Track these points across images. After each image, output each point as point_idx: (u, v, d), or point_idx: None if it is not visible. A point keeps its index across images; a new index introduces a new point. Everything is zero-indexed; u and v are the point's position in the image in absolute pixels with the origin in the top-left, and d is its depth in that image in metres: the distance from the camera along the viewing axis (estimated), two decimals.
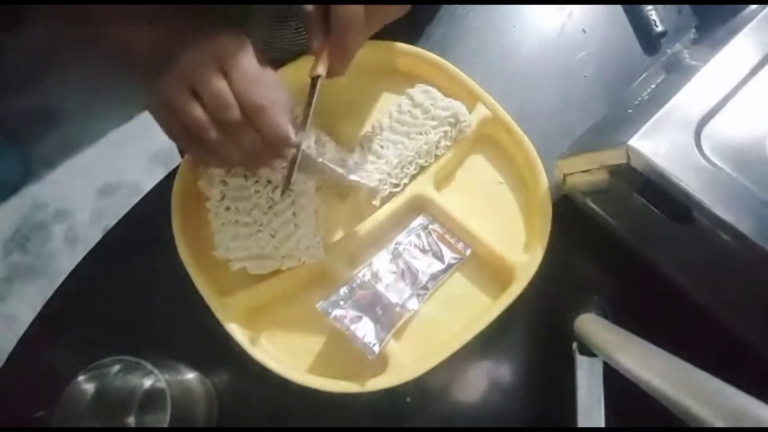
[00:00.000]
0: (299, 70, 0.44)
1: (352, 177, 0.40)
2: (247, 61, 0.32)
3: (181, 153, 0.51)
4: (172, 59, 0.33)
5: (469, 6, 0.53)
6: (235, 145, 0.34)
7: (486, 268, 0.44)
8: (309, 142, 0.39)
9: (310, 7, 0.35)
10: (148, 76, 0.34)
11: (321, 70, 0.36)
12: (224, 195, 0.40)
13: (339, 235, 0.43)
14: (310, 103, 0.36)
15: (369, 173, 0.42)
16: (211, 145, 0.33)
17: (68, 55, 1.33)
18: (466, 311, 0.42)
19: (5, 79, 1.35)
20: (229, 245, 0.39)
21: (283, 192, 0.37)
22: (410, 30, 0.50)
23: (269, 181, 0.40)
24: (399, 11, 0.38)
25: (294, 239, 0.39)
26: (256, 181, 0.40)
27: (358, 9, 0.34)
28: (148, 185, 0.46)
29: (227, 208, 0.40)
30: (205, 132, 0.32)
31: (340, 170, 0.39)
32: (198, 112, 0.32)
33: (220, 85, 0.31)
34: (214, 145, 0.33)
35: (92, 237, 1.23)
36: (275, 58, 0.44)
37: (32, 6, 1.28)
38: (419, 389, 0.40)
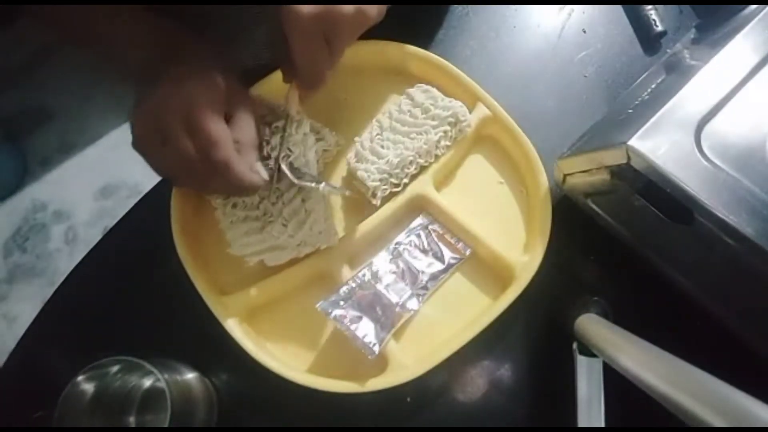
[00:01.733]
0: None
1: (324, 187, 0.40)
2: (209, 120, 0.32)
3: None
4: (150, 86, 0.33)
5: (469, 6, 0.53)
6: (208, 187, 0.35)
7: (486, 268, 0.44)
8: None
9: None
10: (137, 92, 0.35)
11: (293, 111, 0.38)
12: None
13: (339, 235, 0.43)
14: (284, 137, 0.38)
15: (369, 173, 0.42)
16: (187, 185, 0.36)
17: (67, 54, 1.33)
18: (466, 311, 0.42)
19: (3, 78, 1.35)
20: (243, 241, 0.39)
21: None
22: (410, 30, 0.50)
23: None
24: (360, 27, 0.37)
25: (307, 225, 0.39)
26: None
27: (317, 48, 0.35)
28: (148, 186, 0.46)
29: (234, 205, 0.40)
30: (176, 177, 0.35)
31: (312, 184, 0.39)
32: (169, 159, 0.33)
33: (183, 143, 0.32)
34: (189, 185, 0.36)
35: (92, 237, 1.23)
36: (265, 64, 0.45)
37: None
38: (419, 389, 0.40)
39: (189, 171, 0.33)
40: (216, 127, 0.33)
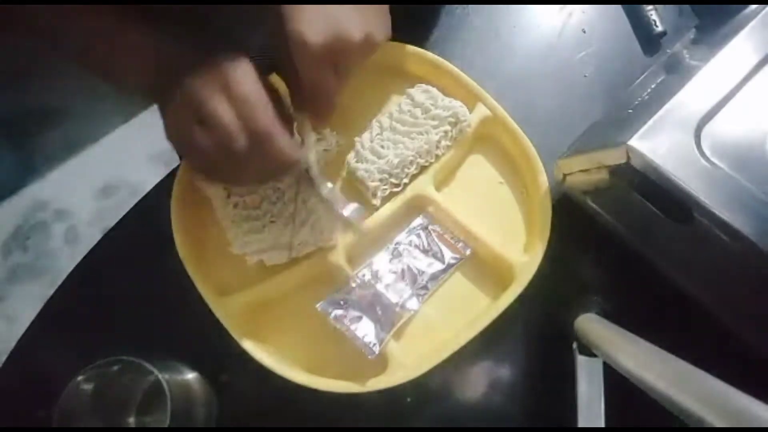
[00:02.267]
0: None
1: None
2: (249, 85, 0.32)
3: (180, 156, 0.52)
4: (175, 83, 0.32)
5: (469, 6, 0.53)
6: (245, 169, 0.34)
7: (486, 268, 0.44)
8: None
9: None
10: (153, 100, 0.34)
11: (311, 140, 0.38)
12: (229, 192, 0.40)
13: (339, 234, 0.43)
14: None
15: (370, 173, 0.42)
16: (224, 172, 0.34)
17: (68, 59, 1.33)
18: (466, 311, 0.42)
19: (5, 77, 1.35)
20: (245, 240, 0.39)
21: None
22: (410, 30, 0.50)
23: None
24: (368, 53, 0.37)
25: (308, 225, 0.39)
26: None
27: (328, 77, 0.34)
28: (148, 185, 0.46)
29: (235, 205, 0.40)
30: (216, 161, 0.33)
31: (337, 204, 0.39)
32: (207, 142, 0.32)
33: (227, 117, 0.31)
34: (226, 171, 0.34)
35: (92, 237, 1.22)
36: (272, 64, 0.45)
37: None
38: (419, 389, 0.40)
39: (227, 150, 0.32)
40: (256, 91, 0.32)
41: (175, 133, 0.33)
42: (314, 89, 0.35)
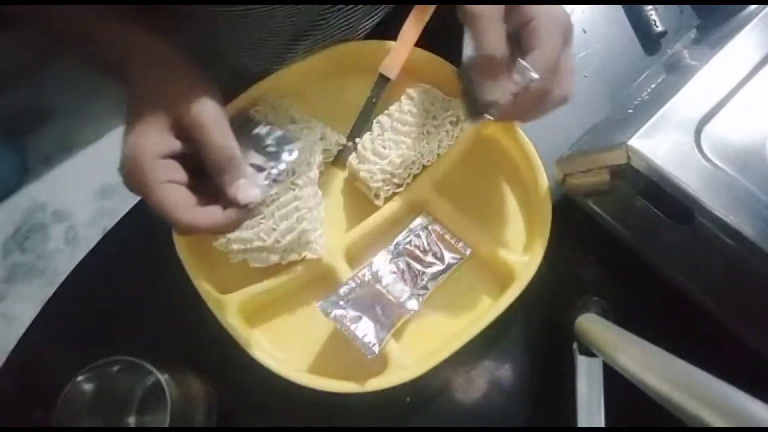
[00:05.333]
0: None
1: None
2: (153, 179, 0.30)
3: None
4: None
5: None
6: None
7: (486, 268, 0.44)
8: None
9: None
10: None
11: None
12: None
13: (339, 234, 0.43)
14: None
15: (372, 174, 0.42)
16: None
17: (66, 54, 1.33)
18: (466, 311, 0.42)
19: (4, 77, 1.35)
20: (230, 236, 0.39)
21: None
22: None
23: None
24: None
25: (296, 233, 0.39)
26: None
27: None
28: None
29: None
30: None
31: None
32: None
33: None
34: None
35: (92, 237, 1.23)
36: (248, 70, 0.44)
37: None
38: (419, 389, 0.40)
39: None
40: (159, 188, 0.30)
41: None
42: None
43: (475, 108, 0.35)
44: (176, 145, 0.32)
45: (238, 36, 0.50)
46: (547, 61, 0.32)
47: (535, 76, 0.32)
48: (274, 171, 0.34)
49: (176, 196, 0.31)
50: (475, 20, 0.31)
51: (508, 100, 0.33)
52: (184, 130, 0.31)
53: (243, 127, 0.36)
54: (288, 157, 0.35)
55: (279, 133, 0.36)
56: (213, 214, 0.31)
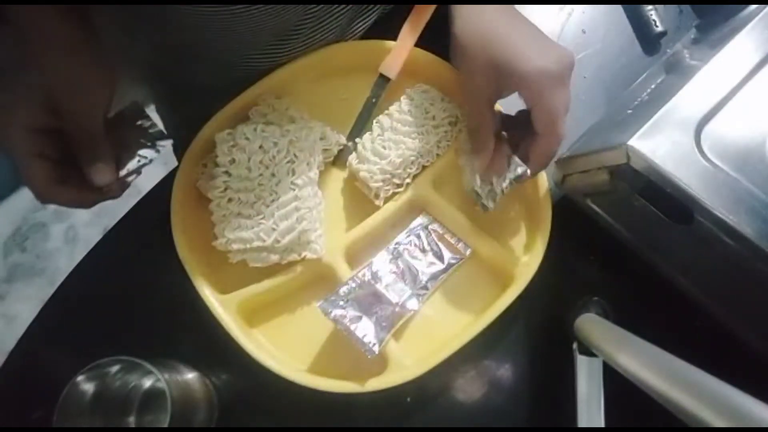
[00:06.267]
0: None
1: None
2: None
3: (177, 153, 0.51)
4: None
5: None
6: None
7: (486, 268, 0.44)
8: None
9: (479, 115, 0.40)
10: None
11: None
12: (227, 186, 0.40)
13: (339, 234, 0.43)
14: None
15: (372, 174, 0.42)
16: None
17: None
18: (466, 311, 0.42)
19: (3, 76, 1.34)
20: (230, 236, 0.39)
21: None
22: None
23: (273, 174, 0.40)
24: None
25: (296, 233, 0.39)
26: (260, 174, 0.40)
27: (562, 98, 0.36)
28: (148, 186, 0.46)
29: (230, 200, 0.40)
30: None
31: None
32: None
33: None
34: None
35: (92, 237, 1.23)
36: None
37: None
38: (419, 389, 0.40)
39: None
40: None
41: None
42: (551, 123, 0.36)
43: (478, 200, 0.41)
44: (49, 120, 0.33)
45: (223, 34, 0.49)
46: (551, 149, 0.37)
47: (528, 173, 0.39)
48: (135, 164, 0.38)
49: (40, 170, 0.33)
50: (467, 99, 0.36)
51: (505, 190, 0.40)
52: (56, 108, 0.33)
53: (134, 117, 0.39)
54: (154, 154, 0.38)
55: (157, 129, 0.39)
56: (68, 193, 0.35)
